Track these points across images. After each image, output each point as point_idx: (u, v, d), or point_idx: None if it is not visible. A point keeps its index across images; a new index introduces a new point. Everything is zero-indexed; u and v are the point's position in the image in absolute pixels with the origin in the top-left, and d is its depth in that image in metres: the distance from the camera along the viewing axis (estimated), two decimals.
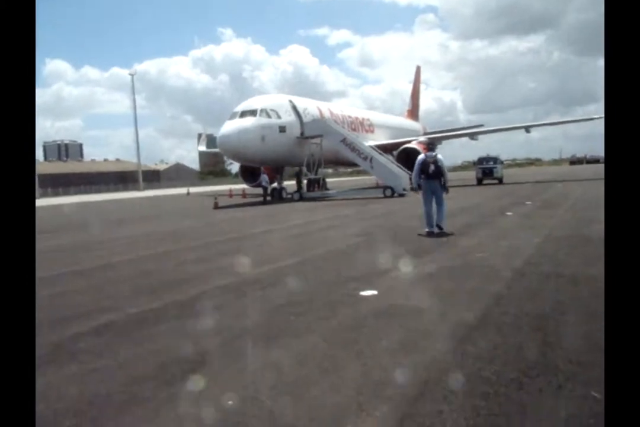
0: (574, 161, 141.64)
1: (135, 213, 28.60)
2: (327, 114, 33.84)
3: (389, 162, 29.39)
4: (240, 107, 29.70)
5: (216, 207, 26.31)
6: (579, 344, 4.39)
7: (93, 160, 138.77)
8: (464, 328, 4.97)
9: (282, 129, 29.42)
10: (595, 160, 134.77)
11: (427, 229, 11.56)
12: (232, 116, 29.03)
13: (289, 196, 30.52)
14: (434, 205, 11.70)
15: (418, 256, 8.97)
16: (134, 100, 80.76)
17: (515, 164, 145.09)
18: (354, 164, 32.25)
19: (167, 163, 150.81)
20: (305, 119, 30.85)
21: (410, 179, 30.20)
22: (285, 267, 8.68)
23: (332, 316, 5.65)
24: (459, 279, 7.09)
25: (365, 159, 29.29)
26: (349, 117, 37.31)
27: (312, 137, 30.54)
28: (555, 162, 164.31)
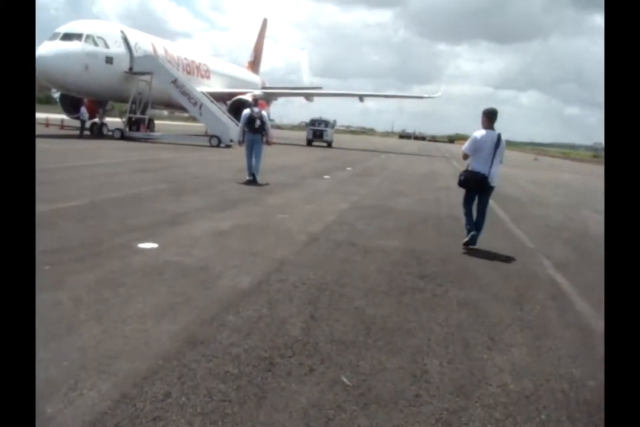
0: (403, 135, 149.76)
1: None
2: (161, 52, 31.62)
3: (219, 111, 28.33)
4: (63, 28, 26.51)
5: None
6: (343, 327, 4.11)
7: None
8: (233, 295, 4.52)
9: (109, 60, 26.94)
10: (422, 138, 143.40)
11: (247, 177, 12.59)
12: (53, 37, 25.83)
13: (110, 133, 28.32)
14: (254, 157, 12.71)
15: (218, 210, 8.44)
16: None
17: (350, 131, 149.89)
18: (184, 108, 30.65)
19: None
20: (136, 54, 28.59)
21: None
22: (69, 208, 7.72)
23: (93, 268, 4.93)
24: (250, 240, 6.65)
25: (194, 104, 27.98)
26: (185, 59, 35.20)
27: (142, 73, 28.41)
28: (387, 134, 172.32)
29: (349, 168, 19.58)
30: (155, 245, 6.00)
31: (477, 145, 6.98)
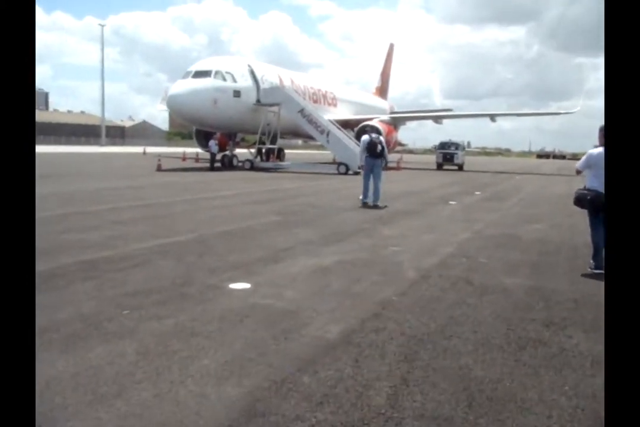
0: (542, 155, 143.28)
1: (72, 169, 26.85)
2: (287, 83, 32.26)
3: (346, 138, 28.14)
4: (194, 67, 27.87)
5: (159, 169, 24.83)
6: (440, 396, 3.36)
7: (56, 111, 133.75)
8: (316, 348, 3.91)
9: (237, 93, 27.82)
10: (562, 156, 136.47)
11: (361, 198, 13.08)
12: (185, 76, 27.23)
13: (240, 164, 29.06)
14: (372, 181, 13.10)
15: (326, 244, 7.92)
16: (102, 51, 77.62)
17: (484, 152, 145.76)
18: (312, 137, 30.90)
19: (134, 120, 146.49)
20: (263, 86, 29.31)
21: None
22: (172, 243, 7.54)
23: (173, 314, 4.53)
24: (353, 278, 6.03)
25: (322, 132, 28.05)
26: (312, 88, 35.70)
27: (269, 104, 29.08)
28: (524, 154, 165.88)
29: (477, 192, 18.45)
30: (247, 285, 5.56)
31: (591, 162, 6.64)
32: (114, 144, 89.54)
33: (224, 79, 27.51)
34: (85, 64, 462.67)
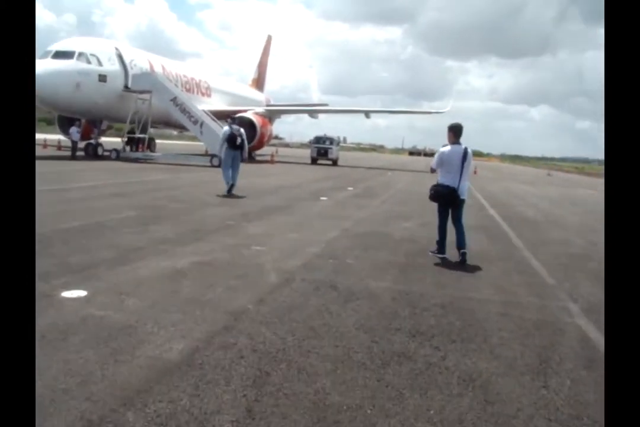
0: (413, 152, 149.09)
1: None
2: (158, 69, 30.69)
3: (219, 129, 27.26)
4: (55, 47, 25.56)
5: None
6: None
7: None
8: (150, 373, 3.30)
9: (103, 78, 25.99)
10: (432, 154, 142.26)
11: (225, 192, 13.33)
12: (44, 55, 24.78)
13: (107, 154, 27.30)
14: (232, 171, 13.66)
15: (184, 243, 7.26)
16: None
17: (359, 148, 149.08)
18: (185, 127, 29.65)
19: None
20: (132, 71, 27.69)
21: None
22: None
23: None
24: (207, 283, 5.44)
25: (195, 122, 27.01)
26: (184, 76, 34.22)
27: (139, 91, 27.55)
28: (397, 151, 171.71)
29: (350, 188, 18.38)
30: (83, 293, 4.82)
31: (443, 159, 7.18)
32: None
33: (89, 62, 25.59)
34: None
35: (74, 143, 25.99)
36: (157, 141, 41.14)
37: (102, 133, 30.40)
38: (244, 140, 13.77)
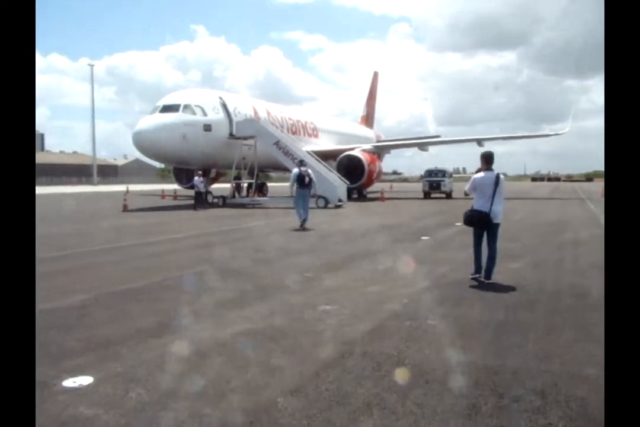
0: (536, 178, 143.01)
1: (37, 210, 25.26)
2: (263, 114, 30.95)
3: (324, 169, 26.72)
4: (162, 102, 26.47)
5: (125, 210, 23.31)
6: None
7: (48, 152, 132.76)
8: None
9: (208, 127, 26.39)
10: (557, 179, 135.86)
11: (298, 222, 15.01)
12: (153, 111, 25.80)
13: (215, 201, 27.47)
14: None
15: (239, 305, 6.34)
16: (92, 90, 78.18)
17: None
18: (290, 170, 29.45)
19: (127, 158, 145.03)
20: (236, 118, 27.97)
21: (347, 189, 28.13)
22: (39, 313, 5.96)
23: None
24: (244, 360, 4.44)
25: (300, 164, 26.63)
26: (290, 119, 34.35)
27: (244, 138, 27.72)
28: (519, 177, 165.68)
29: (458, 223, 16.83)
30: (87, 380, 4.02)
31: (476, 185, 7.53)
32: (106, 182, 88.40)
33: (194, 113, 26.14)
34: (81, 105, 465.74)
35: (198, 194, 25.55)
36: (275, 184, 41.40)
37: (214, 181, 30.87)
38: (312, 179, 15.76)
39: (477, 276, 7.58)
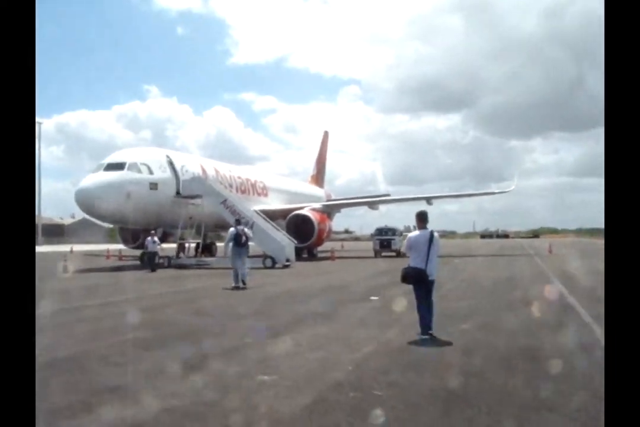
0: (485, 235, 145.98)
1: None
2: (211, 173, 30.65)
3: (271, 229, 26.36)
4: (107, 160, 25.85)
5: (65, 271, 22.30)
6: None
7: None
8: None
9: (154, 186, 25.88)
10: (505, 235, 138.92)
11: (233, 284, 15.08)
12: (97, 169, 25.18)
13: (161, 261, 26.56)
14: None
15: (170, 376, 5.80)
16: (39, 149, 76.38)
17: None
18: None
19: (74, 218, 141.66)
20: (183, 177, 27.56)
21: (297, 248, 27.78)
22: None
23: None
24: None
25: (245, 224, 26.18)
26: (239, 178, 34.15)
27: (190, 197, 27.23)
28: (468, 235, 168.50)
29: None
30: None
31: (411, 244, 7.72)
32: (51, 242, 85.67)
33: (139, 171, 25.56)
34: None
35: (152, 254, 24.06)
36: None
37: (162, 241, 30.09)
38: (248, 238, 16.06)
39: (424, 337, 7.50)
